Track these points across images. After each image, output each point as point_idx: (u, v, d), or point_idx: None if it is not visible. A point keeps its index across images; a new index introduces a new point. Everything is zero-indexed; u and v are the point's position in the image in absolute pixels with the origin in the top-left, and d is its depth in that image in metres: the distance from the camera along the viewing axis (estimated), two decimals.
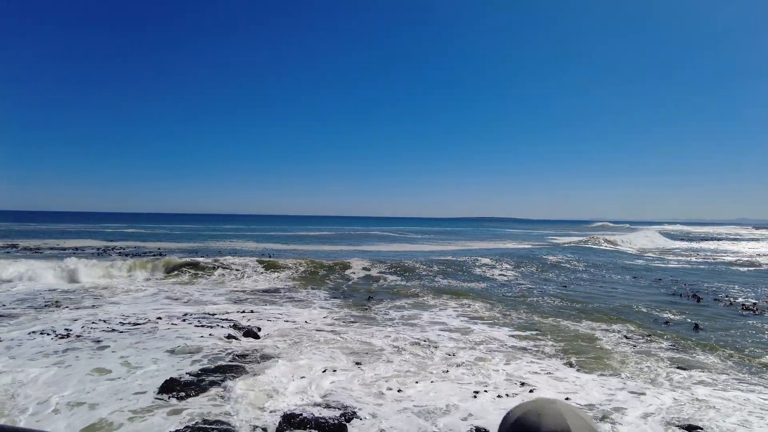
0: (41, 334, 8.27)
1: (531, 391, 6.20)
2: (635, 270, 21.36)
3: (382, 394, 6.00)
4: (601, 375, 6.94)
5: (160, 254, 23.05)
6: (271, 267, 17.14)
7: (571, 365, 7.40)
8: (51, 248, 26.15)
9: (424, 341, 8.70)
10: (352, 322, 10.25)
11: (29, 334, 8.30)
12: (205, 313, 10.48)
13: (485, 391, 6.14)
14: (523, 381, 6.58)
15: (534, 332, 9.48)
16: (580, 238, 43.83)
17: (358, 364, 7.24)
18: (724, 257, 29.37)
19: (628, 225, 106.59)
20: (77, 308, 10.94)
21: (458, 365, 7.27)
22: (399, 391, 6.10)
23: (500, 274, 17.53)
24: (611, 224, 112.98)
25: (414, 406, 5.61)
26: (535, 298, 13.52)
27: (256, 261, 18.47)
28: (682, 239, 54.30)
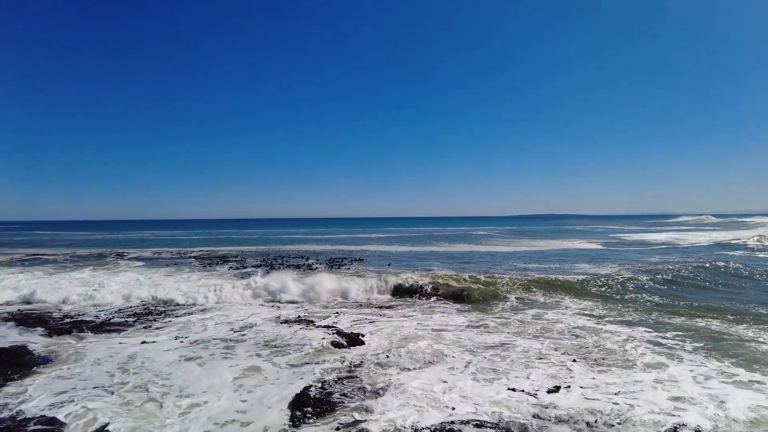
0: (175, 338, 8.83)
1: (720, 401, 5.58)
2: None
3: (548, 406, 5.48)
4: None
5: (235, 258, 24.16)
6: (363, 272, 17.18)
7: (739, 368, 6.89)
8: (136, 249, 28.30)
9: (563, 344, 8.37)
10: (478, 326, 9.87)
11: (166, 338, 8.93)
12: (299, 317, 10.63)
13: (696, 405, 5.51)
14: (711, 390, 6.00)
15: (676, 332, 9.08)
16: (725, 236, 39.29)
17: (506, 373, 6.80)
18: None
19: (734, 218, 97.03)
20: (198, 312, 11.87)
21: (645, 367, 6.94)
22: (572, 401, 5.63)
23: (600, 274, 16.33)
24: (713, 218, 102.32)
25: (601, 422, 5.09)
26: (653, 297, 12.93)
27: (350, 269, 18.58)
28: None
